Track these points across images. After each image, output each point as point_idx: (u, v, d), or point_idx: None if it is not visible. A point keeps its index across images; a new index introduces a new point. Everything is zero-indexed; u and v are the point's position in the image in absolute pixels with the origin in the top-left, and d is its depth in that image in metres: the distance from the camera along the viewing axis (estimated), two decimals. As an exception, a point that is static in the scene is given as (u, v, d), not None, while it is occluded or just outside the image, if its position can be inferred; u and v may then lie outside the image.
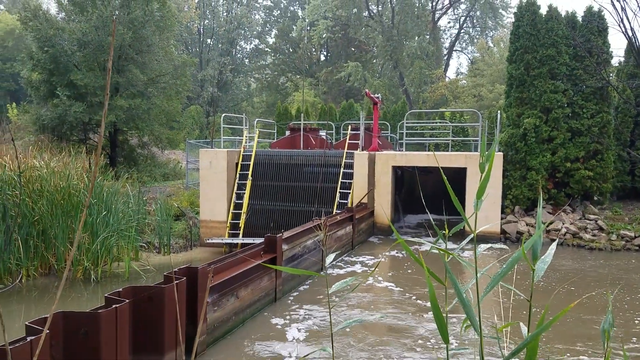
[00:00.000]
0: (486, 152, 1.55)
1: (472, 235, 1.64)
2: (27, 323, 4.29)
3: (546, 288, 9.62)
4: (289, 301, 8.82)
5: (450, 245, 1.78)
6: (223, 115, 18.03)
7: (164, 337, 5.44)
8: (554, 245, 1.63)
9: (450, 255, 1.65)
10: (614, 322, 1.57)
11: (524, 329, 1.63)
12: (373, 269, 11.22)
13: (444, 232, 1.75)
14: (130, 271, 10.71)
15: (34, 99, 19.83)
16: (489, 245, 1.79)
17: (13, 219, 9.91)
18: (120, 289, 5.33)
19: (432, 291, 1.54)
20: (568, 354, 6.55)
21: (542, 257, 1.60)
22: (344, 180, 14.36)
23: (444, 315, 1.60)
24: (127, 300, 5.14)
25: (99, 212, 10.82)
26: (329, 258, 1.95)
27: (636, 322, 7.96)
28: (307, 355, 5.83)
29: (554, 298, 8.75)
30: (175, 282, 5.62)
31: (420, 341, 7.03)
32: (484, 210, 13.32)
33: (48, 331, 4.26)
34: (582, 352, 6.71)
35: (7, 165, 10.70)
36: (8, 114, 28.66)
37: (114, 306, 4.88)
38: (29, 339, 4.05)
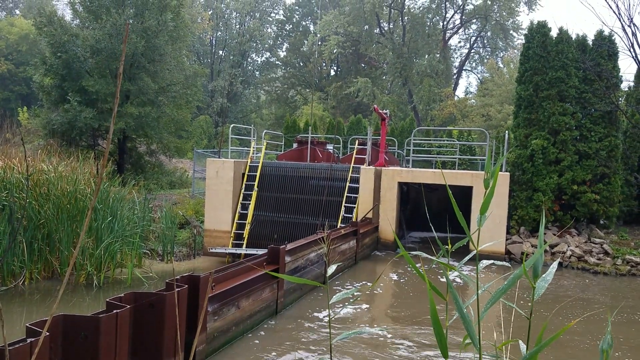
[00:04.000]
0: (492, 168, 1.56)
1: (475, 252, 1.65)
2: (27, 325, 4.30)
3: (548, 310, 9.54)
4: (290, 313, 8.79)
5: (453, 264, 1.79)
6: (232, 125, 18.13)
7: (164, 344, 5.42)
8: (555, 264, 1.64)
9: (452, 270, 1.65)
10: (612, 342, 1.56)
11: (522, 346, 1.62)
12: (375, 280, 11.18)
13: (447, 247, 1.76)
14: (133, 278, 10.71)
15: (45, 103, 20.03)
16: (491, 261, 1.80)
17: (19, 221, 9.96)
18: (122, 295, 5.34)
19: (433, 305, 1.54)
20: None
21: (543, 276, 1.60)
22: (350, 195, 14.35)
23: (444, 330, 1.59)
24: (128, 306, 5.14)
25: (104, 218, 10.86)
26: (331, 268, 1.96)
27: (633, 345, 7.87)
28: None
29: (554, 321, 8.67)
30: (177, 289, 5.62)
31: (419, 357, 6.98)
32: (489, 230, 13.26)
33: (47, 333, 4.27)
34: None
35: (16, 168, 10.78)
36: (19, 117, 28.94)
37: (114, 311, 4.88)
38: (29, 340, 4.05)
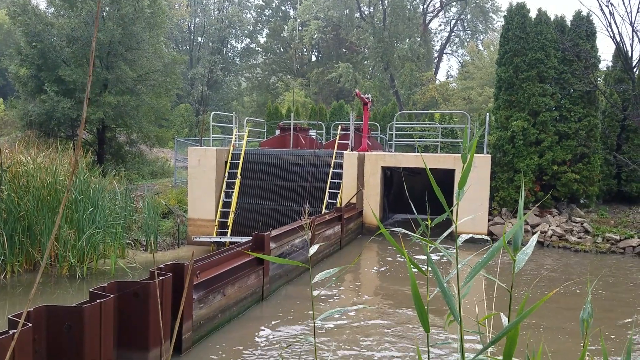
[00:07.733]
0: (468, 143, 1.56)
1: (454, 226, 1.65)
2: (9, 316, 4.26)
3: (528, 286, 9.69)
4: (276, 299, 8.81)
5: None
6: (213, 113, 18.00)
7: (149, 333, 5.41)
8: (535, 237, 1.65)
9: (432, 246, 1.66)
10: (592, 312, 1.59)
11: (504, 318, 1.64)
12: (356, 257, 11.25)
13: (426, 222, 1.76)
14: (116, 268, 10.63)
15: (21, 94, 19.66)
16: (470, 235, 1.81)
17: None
18: (105, 284, 5.30)
19: (414, 280, 1.55)
20: (548, 347, 6.60)
21: (524, 248, 1.62)
22: (333, 180, 14.36)
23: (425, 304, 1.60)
24: (112, 296, 5.11)
25: (85, 209, 10.73)
26: (313, 248, 1.96)
27: (611, 315, 8.05)
28: (290, 345, 5.83)
29: (536, 298, 8.79)
30: (161, 278, 5.59)
31: (402, 334, 7.05)
32: (472, 211, 13.37)
33: (29, 324, 4.22)
34: (563, 342, 6.77)
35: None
36: (-5, 109, 28.36)
37: (98, 301, 4.85)
38: (11, 332, 4.01)
